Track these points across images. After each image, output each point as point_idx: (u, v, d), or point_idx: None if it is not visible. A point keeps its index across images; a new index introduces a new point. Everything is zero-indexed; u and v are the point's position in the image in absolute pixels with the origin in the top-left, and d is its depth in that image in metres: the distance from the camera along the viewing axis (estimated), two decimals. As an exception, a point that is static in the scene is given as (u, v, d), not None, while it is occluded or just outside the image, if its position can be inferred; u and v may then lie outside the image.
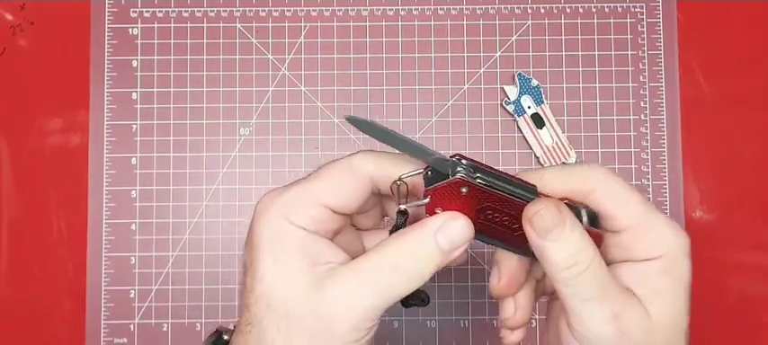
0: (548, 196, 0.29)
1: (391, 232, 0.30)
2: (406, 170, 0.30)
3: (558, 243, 0.28)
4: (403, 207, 0.29)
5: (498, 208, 0.29)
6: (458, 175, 0.28)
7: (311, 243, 0.29)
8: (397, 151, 0.29)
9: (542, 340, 0.51)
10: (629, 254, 0.30)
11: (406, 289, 0.28)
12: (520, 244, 0.29)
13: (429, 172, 0.29)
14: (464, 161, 0.28)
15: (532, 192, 0.29)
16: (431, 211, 0.29)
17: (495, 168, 0.29)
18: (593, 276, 0.28)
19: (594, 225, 0.29)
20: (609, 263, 0.30)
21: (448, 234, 0.28)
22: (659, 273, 0.29)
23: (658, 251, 0.29)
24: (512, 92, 0.52)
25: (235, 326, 0.30)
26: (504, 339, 0.33)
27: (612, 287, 0.28)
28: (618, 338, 0.28)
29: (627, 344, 0.28)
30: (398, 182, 0.29)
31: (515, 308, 0.32)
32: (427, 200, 0.28)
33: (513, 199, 0.28)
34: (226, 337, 0.32)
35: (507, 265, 0.32)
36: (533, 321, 0.51)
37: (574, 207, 0.29)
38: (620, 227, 0.30)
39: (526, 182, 0.29)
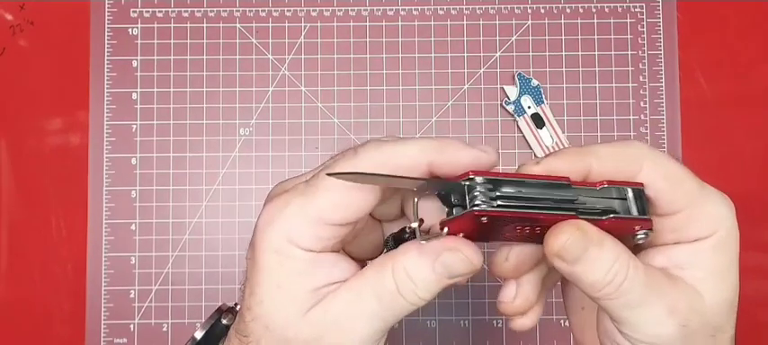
0: (582, 183, 0.26)
1: (388, 248, 0.28)
2: (408, 163, 0.26)
3: (593, 264, 0.25)
4: (423, 242, 0.26)
5: (528, 223, 0.26)
6: (474, 208, 0.25)
7: (317, 265, 0.27)
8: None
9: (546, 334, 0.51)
10: (679, 236, 0.27)
11: (406, 310, 0.26)
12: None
13: (442, 193, 0.26)
14: (479, 178, 0.25)
15: (566, 188, 0.26)
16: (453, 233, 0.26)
17: (519, 172, 0.26)
18: (636, 280, 0.25)
19: (642, 202, 0.26)
20: (656, 246, 0.28)
21: (447, 265, 0.26)
22: (713, 251, 0.27)
23: (712, 228, 0.27)
24: (512, 92, 0.52)
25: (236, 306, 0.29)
26: (511, 322, 0.30)
27: (659, 282, 0.26)
28: (679, 332, 0.26)
29: (687, 333, 0.26)
30: (417, 224, 0.26)
31: (516, 294, 0.29)
32: (445, 232, 0.26)
33: (545, 215, 0.25)
34: (225, 321, 0.31)
35: (519, 247, 0.28)
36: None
37: (619, 187, 0.26)
38: (676, 209, 0.27)
39: (557, 177, 0.26)
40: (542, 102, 0.52)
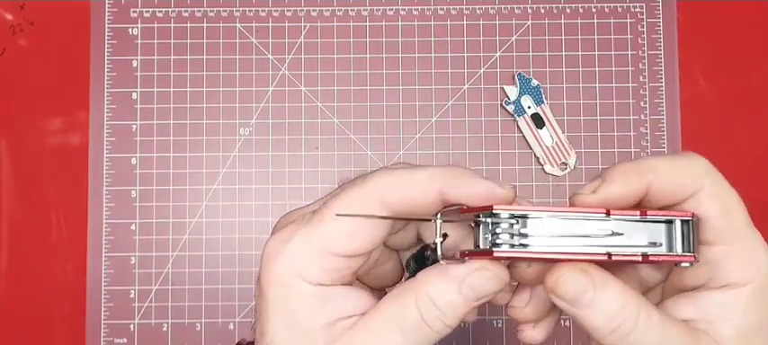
0: (623, 212, 0.24)
1: (409, 271, 0.27)
2: (419, 192, 0.25)
3: (593, 308, 0.24)
4: (443, 262, 0.25)
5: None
6: (494, 249, 0.24)
7: (327, 299, 0.25)
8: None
9: None
10: (711, 274, 0.25)
11: (432, 341, 0.25)
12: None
13: (472, 225, 0.25)
14: (504, 214, 0.24)
15: (603, 220, 0.24)
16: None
17: (555, 206, 0.24)
18: (646, 332, 0.23)
19: (690, 235, 0.24)
20: (684, 289, 0.26)
21: (475, 286, 0.24)
22: (747, 304, 0.24)
23: (748, 275, 0.24)
24: (512, 92, 0.52)
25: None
26: (520, 333, 0.28)
27: (677, 337, 0.24)
28: None
29: None
30: (434, 246, 0.25)
31: (530, 298, 0.27)
32: (462, 260, 0.25)
33: (567, 260, 0.24)
34: None
35: (539, 296, 0.27)
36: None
37: (661, 219, 0.24)
38: (719, 240, 0.24)
39: (592, 209, 0.24)
40: (542, 102, 0.52)
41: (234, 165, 0.52)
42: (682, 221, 0.24)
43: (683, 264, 0.24)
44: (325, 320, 0.25)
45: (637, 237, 0.24)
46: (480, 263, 0.24)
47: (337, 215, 0.24)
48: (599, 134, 0.52)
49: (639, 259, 0.24)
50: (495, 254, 0.24)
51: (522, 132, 0.52)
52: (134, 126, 0.52)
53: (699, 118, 0.53)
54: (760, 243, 0.25)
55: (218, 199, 0.52)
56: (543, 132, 0.52)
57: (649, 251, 0.24)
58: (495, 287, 0.25)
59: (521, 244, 0.24)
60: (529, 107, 0.52)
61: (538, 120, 0.52)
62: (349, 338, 0.25)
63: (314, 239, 0.25)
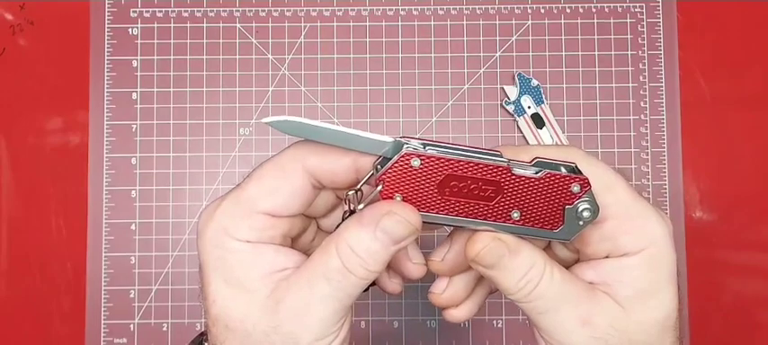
0: (513, 159, 0.27)
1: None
2: (336, 158, 0.27)
3: (507, 270, 0.27)
4: (361, 206, 0.27)
5: (462, 175, 0.27)
6: (404, 149, 0.26)
7: (258, 254, 0.27)
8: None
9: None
10: (609, 248, 0.28)
11: (360, 287, 0.27)
12: (495, 215, 0.27)
13: (379, 166, 0.27)
14: (413, 141, 0.27)
15: (497, 156, 0.27)
16: (389, 198, 0.27)
17: (453, 142, 0.27)
18: (550, 288, 0.27)
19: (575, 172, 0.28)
20: (587, 260, 0.29)
21: (387, 230, 0.26)
22: (641, 268, 0.27)
23: (641, 243, 0.27)
24: (512, 92, 0.52)
25: None
26: (443, 313, 0.31)
27: (575, 292, 0.27)
28: (593, 343, 0.27)
29: None
30: (355, 191, 0.28)
31: (447, 286, 0.31)
32: (379, 188, 0.27)
33: (476, 160, 0.26)
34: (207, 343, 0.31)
35: (459, 245, 0.29)
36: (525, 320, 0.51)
37: (551, 162, 0.27)
38: (606, 216, 0.27)
39: (489, 149, 0.27)
40: (542, 102, 0.52)
41: (234, 165, 0.52)
42: (565, 166, 0.27)
43: (581, 208, 0.27)
44: (260, 272, 0.27)
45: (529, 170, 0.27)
46: (389, 207, 0.26)
47: (265, 121, 0.26)
48: (599, 134, 0.52)
49: (533, 171, 0.26)
50: (405, 152, 0.26)
51: (522, 132, 0.52)
52: (134, 126, 0.52)
53: (699, 118, 0.53)
54: (650, 212, 0.27)
55: (218, 198, 0.51)
56: (543, 132, 0.52)
57: (545, 170, 0.27)
58: (405, 230, 0.26)
59: (429, 149, 0.26)
60: (529, 107, 0.52)
61: (538, 120, 0.52)
62: (283, 289, 0.26)
63: (240, 199, 0.27)
